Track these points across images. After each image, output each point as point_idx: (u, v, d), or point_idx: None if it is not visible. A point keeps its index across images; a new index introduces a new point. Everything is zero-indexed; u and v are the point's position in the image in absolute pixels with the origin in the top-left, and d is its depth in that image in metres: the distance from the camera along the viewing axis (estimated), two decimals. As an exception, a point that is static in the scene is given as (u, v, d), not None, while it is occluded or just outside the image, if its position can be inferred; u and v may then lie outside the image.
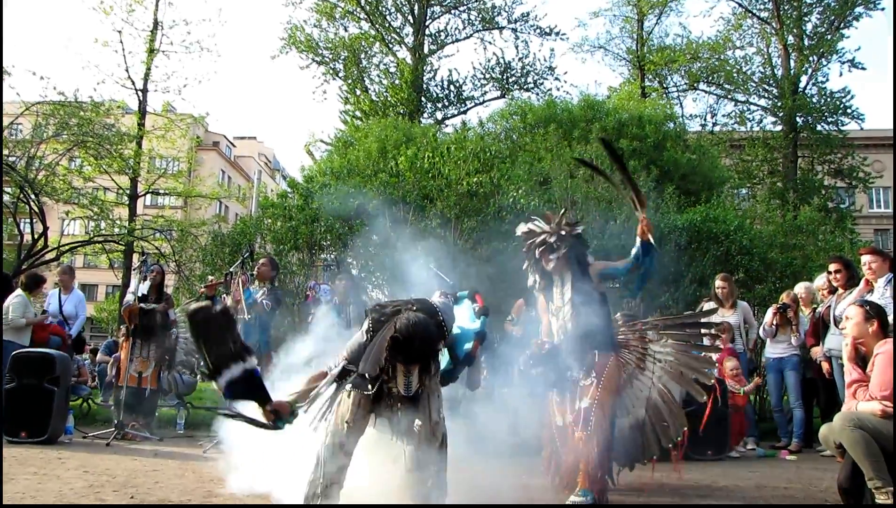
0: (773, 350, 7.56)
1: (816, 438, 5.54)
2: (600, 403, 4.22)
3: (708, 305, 7.82)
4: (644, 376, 4.54)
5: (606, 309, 4.47)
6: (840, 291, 6.82)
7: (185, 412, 8.51)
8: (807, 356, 7.32)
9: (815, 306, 7.49)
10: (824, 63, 20.01)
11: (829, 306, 6.88)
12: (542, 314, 4.69)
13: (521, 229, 4.70)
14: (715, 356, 7.35)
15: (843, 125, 19.76)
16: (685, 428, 4.48)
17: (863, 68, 19.59)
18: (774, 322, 7.40)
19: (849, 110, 19.47)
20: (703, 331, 4.81)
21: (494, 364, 7.73)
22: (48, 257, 18.07)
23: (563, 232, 4.45)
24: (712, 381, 4.66)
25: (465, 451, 5.67)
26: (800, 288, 7.77)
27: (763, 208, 15.00)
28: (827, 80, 20.10)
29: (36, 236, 17.67)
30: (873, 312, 4.28)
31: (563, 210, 4.72)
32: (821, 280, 7.46)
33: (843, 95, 19.53)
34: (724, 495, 4.89)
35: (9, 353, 6.87)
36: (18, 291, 7.94)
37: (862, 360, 4.25)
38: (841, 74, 19.69)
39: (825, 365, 6.96)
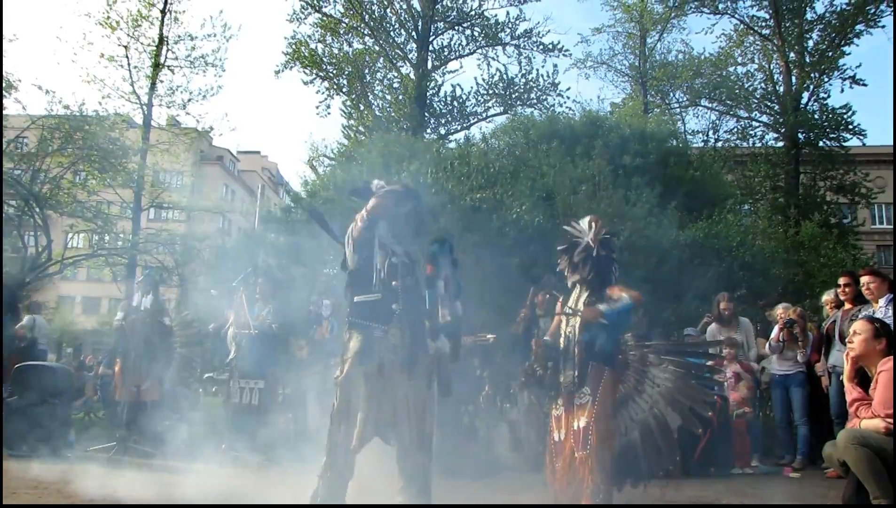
0: (778, 367, 7.52)
1: (820, 455, 5.53)
2: (597, 421, 4.20)
3: (710, 329, 7.83)
4: (641, 399, 4.46)
5: (615, 327, 4.43)
6: (846, 306, 6.80)
7: (186, 427, 8.50)
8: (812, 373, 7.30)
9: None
10: (826, 79, 20.05)
11: (835, 322, 6.87)
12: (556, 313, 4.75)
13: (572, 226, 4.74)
14: (729, 373, 7.42)
15: (844, 141, 19.77)
16: (678, 458, 4.49)
17: (864, 84, 19.64)
18: (781, 338, 7.36)
19: (850, 126, 19.49)
20: (707, 362, 4.83)
21: (496, 379, 7.77)
22: (52, 269, 18.10)
23: (595, 247, 4.46)
24: (709, 413, 4.58)
25: (468, 466, 5.70)
26: (779, 309, 7.71)
27: (765, 223, 15.02)
28: (829, 96, 20.10)
29: (40, 249, 17.72)
30: (883, 330, 4.27)
31: (597, 222, 4.68)
32: (829, 295, 7.44)
33: (844, 111, 19.55)
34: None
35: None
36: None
37: (861, 378, 4.24)
38: (842, 91, 19.75)
39: (825, 381, 6.95)
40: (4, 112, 16.54)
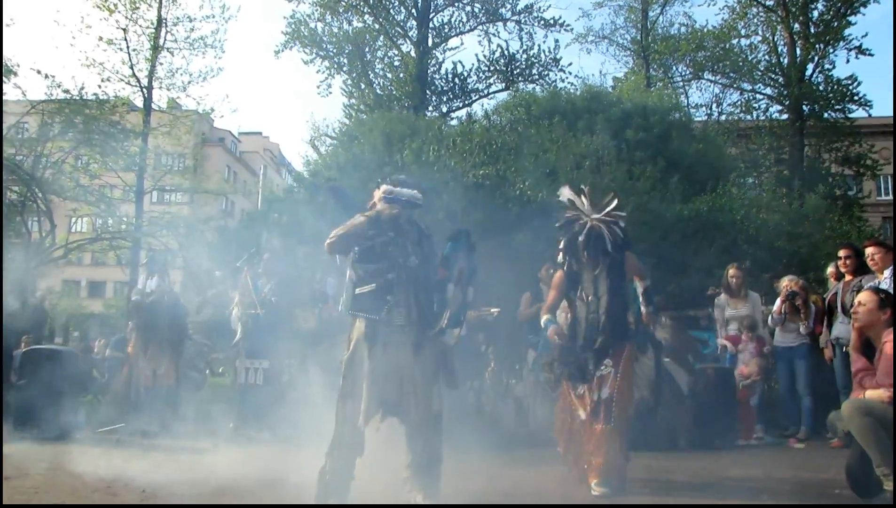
0: (782, 339, 7.52)
1: (824, 425, 5.54)
2: (620, 393, 4.26)
3: (718, 300, 7.83)
4: (646, 356, 4.61)
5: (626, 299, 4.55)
6: (847, 278, 6.79)
7: (195, 408, 8.55)
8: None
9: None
10: (831, 50, 19.81)
11: (836, 293, 6.86)
12: (551, 289, 4.78)
13: (566, 194, 4.66)
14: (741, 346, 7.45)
15: (850, 113, 19.61)
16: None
17: (870, 55, 19.42)
18: (783, 310, 7.36)
19: (856, 97, 19.32)
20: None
21: (501, 355, 7.80)
22: (56, 254, 18.16)
23: (608, 224, 4.42)
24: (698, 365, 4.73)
25: (476, 442, 5.73)
26: (784, 281, 7.68)
27: (769, 196, 14.95)
28: (833, 67, 19.83)
29: (44, 235, 17.76)
30: (887, 300, 4.27)
31: (611, 196, 4.63)
32: (833, 267, 7.43)
33: (849, 82, 19.37)
34: (735, 484, 4.89)
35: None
36: None
37: (866, 348, 4.24)
38: (848, 61, 19.50)
39: (827, 352, 6.96)
40: (4, 98, 16.49)
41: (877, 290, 4.48)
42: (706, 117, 20.95)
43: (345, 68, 20.69)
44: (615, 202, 4.53)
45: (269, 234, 10.47)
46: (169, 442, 6.74)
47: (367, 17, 20.70)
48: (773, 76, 20.69)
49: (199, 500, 3.93)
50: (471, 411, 6.80)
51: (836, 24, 19.48)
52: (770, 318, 7.51)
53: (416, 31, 20.18)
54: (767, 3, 20.70)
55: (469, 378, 6.88)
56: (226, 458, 5.67)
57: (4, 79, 16.20)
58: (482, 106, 18.99)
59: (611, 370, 4.28)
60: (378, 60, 21.00)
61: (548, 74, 20.21)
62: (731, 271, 7.77)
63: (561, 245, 4.64)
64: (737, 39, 21.12)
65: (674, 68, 22.07)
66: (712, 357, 7.77)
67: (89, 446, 6.22)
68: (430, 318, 3.96)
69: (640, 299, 4.68)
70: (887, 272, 6.24)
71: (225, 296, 8.13)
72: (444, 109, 20.27)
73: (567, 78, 20.10)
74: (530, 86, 19.49)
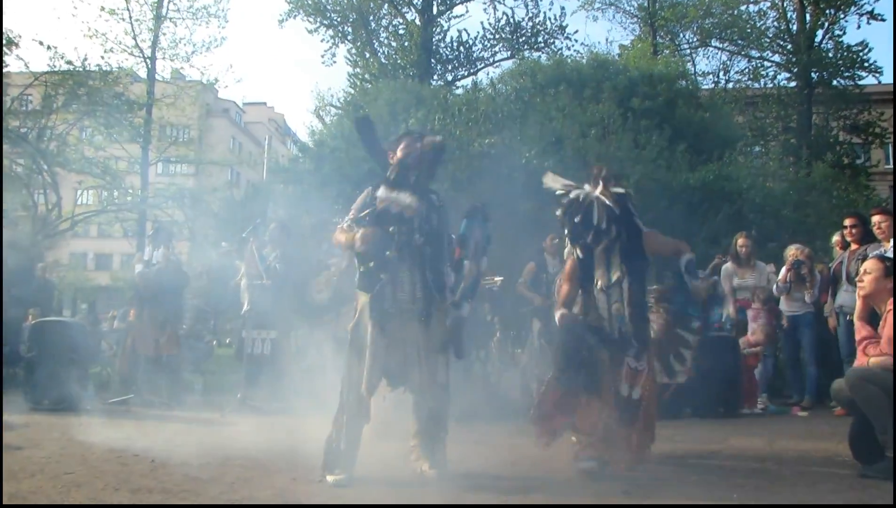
0: (787, 308, 7.53)
1: (828, 394, 5.57)
2: (650, 394, 4.02)
3: (725, 268, 7.81)
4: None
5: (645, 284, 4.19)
6: (853, 246, 6.77)
7: (202, 379, 8.64)
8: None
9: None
10: (841, 16, 19.53)
11: (842, 262, 6.85)
12: (564, 282, 4.27)
13: (552, 184, 4.25)
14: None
15: (859, 80, 19.39)
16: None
17: (882, 19, 19.17)
18: (789, 279, 7.35)
19: (866, 64, 19.08)
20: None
21: (507, 325, 7.83)
22: (63, 226, 18.22)
23: (611, 204, 3.96)
24: (680, 369, 4.35)
25: (481, 412, 5.78)
26: (791, 250, 7.64)
27: (776, 165, 14.87)
28: (844, 33, 19.53)
29: (50, 207, 17.81)
30: (893, 269, 4.26)
31: (601, 170, 4.16)
32: (838, 236, 7.41)
33: (860, 48, 19.11)
34: (737, 453, 4.93)
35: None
36: None
37: (870, 316, 4.24)
38: (859, 27, 19.21)
39: (832, 321, 6.96)
40: (6, 69, 16.43)
41: (882, 258, 4.47)
42: (713, 85, 20.78)
43: (349, 37, 20.53)
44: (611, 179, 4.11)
45: (275, 204, 10.51)
46: (178, 413, 6.82)
47: (370, -16, 20.49)
48: (781, 43, 20.44)
49: (208, 470, 3.98)
50: (476, 380, 6.84)
51: (847, -13, 19.17)
52: (775, 286, 7.52)
53: (421, -1, 19.98)
54: (777, -33, 20.39)
55: (475, 348, 6.91)
56: (234, 428, 5.74)
57: (6, 50, 16.13)
58: (487, 74, 18.86)
59: (644, 367, 3.95)
60: (382, 29, 20.82)
61: (553, 42, 20.02)
62: (741, 241, 7.76)
63: (566, 231, 4.23)
64: (745, 6, 20.84)
65: (681, 35, 21.85)
66: (716, 327, 7.80)
67: (99, 417, 6.30)
68: (437, 294, 3.97)
69: (684, 274, 4.27)
70: (893, 241, 6.22)
71: (229, 262, 8.14)
72: (449, 78, 20.12)
73: (573, 46, 19.94)
74: (536, 54, 19.32)
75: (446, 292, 4.04)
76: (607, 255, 4.05)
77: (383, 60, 20.11)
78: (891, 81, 22.72)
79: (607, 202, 3.94)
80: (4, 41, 15.75)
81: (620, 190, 4.05)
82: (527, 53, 19.46)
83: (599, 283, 4.05)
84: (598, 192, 4.01)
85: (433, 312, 3.93)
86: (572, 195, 4.09)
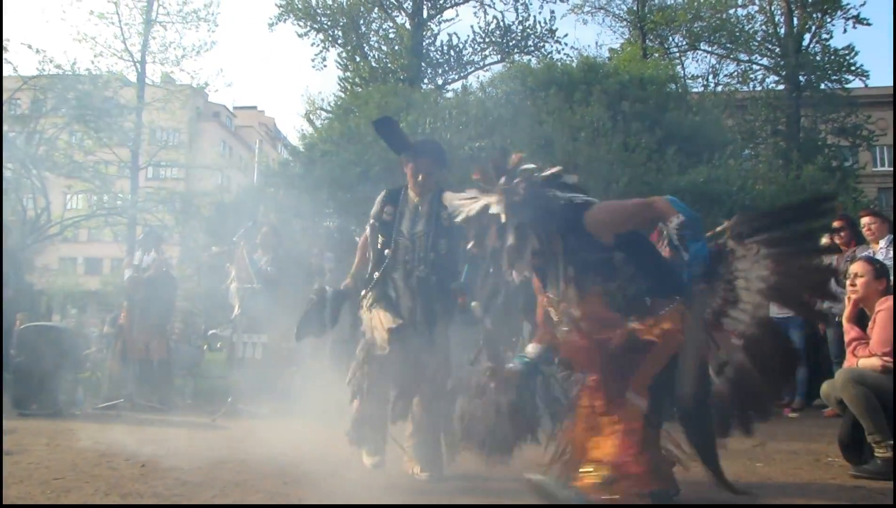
0: (777, 309, 7.53)
1: (818, 395, 5.59)
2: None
3: None
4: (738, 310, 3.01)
5: (648, 256, 3.17)
6: (842, 248, 6.80)
7: (192, 383, 8.61)
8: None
9: None
10: (828, 20, 19.69)
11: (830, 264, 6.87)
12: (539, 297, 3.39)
13: (451, 203, 3.38)
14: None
15: (846, 83, 19.54)
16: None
17: (868, 24, 19.28)
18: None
19: (853, 67, 19.23)
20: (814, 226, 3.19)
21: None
22: (52, 231, 18.11)
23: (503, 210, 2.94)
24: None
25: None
26: None
27: (766, 167, 14.94)
28: (831, 37, 19.74)
29: (39, 212, 17.70)
30: (882, 270, 4.31)
31: (512, 156, 3.24)
32: (827, 238, 7.43)
33: (847, 52, 19.26)
34: (726, 453, 4.92)
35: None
36: None
37: (858, 318, 4.28)
38: (845, 31, 19.30)
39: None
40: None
41: (870, 260, 4.50)
42: (703, 88, 20.89)
43: (339, 41, 20.53)
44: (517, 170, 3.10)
45: (266, 208, 10.48)
46: (168, 417, 6.79)
47: (360, -12, 20.50)
48: (769, 46, 20.58)
49: (199, 474, 3.96)
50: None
51: (834, -8, 19.31)
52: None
53: (411, 3, 20.00)
54: (765, -29, 20.52)
55: (465, 351, 6.89)
56: (224, 433, 5.72)
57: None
58: (478, 78, 18.88)
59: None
60: (373, 33, 20.83)
61: (543, 46, 20.08)
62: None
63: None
64: (733, 9, 20.97)
65: (670, 39, 21.93)
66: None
67: (88, 421, 6.26)
68: (440, 317, 3.97)
69: (678, 245, 3.02)
70: (882, 242, 6.26)
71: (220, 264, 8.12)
72: (440, 82, 20.15)
73: (563, 49, 20.00)
74: (526, 57, 19.37)
75: (454, 315, 4.02)
76: (549, 264, 3.10)
77: (374, 64, 20.12)
78: (878, 84, 22.81)
79: (496, 211, 2.95)
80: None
81: (531, 166, 3.12)
82: (517, 57, 19.53)
83: (551, 297, 3.15)
84: (493, 197, 3.02)
85: (435, 332, 3.94)
86: (471, 214, 3.07)
